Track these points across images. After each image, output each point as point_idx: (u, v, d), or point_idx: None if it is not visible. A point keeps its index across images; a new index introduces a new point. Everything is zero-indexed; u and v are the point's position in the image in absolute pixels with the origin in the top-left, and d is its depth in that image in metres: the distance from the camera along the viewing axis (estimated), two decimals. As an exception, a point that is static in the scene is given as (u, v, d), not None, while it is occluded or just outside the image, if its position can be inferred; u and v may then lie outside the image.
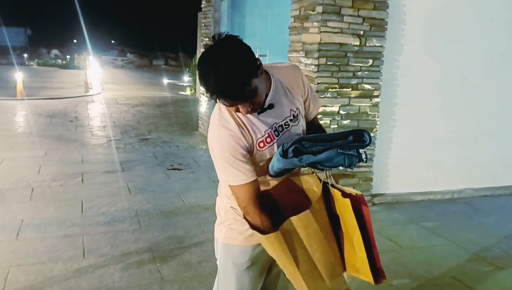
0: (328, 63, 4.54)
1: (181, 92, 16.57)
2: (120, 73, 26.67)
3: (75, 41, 43.98)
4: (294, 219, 1.51)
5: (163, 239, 3.87)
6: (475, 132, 5.45)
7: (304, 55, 4.70)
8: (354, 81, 4.65)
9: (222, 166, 1.69)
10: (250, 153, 1.68)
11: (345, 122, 4.70)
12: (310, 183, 1.71)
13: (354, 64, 4.61)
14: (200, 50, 9.23)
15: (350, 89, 4.66)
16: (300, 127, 1.79)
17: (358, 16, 4.53)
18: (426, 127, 5.24)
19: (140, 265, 3.39)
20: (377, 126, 4.84)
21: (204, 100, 8.59)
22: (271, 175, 1.71)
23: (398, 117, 5.09)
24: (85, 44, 28.39)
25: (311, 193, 1.71)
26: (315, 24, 4.50)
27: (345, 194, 1.59)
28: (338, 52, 4.54)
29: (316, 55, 4.50)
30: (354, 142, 1.53)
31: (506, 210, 5.06)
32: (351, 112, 4.71)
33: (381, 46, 4.68)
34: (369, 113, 4.77)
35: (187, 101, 13.57)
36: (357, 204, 1.56)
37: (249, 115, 1.66)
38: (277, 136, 1.71)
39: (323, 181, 1.69)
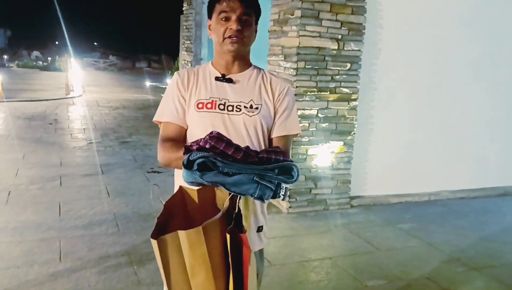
0: (307, 66, 4.57)
1: (163, 95, 16.50)
2: (102, 76, 26.43)
3: (56, 42, 43.50)
4: (181, 233, 1.28)
5: (141, 242, 3.85)
6: (451, 135, 5.54)
7: (283, 58, 4.73)
8: (332, 85, 4.70)
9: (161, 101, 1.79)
10: (184, 101, 1.74)
11: (323, 125, 4.74)
12: (223, 199, 1.45)
13: (332, 67, 4.66)
14: (182, 53, 9.18)
15: (329, 92, 4.70)
16: (255, 122, 1.72)
17: (336, 20, 4.58)
18: (403, 130, 5.31)
19: (117, 269, 3.37)
20: (355, 129, 4.89)
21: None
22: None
23: (375, 120, 5.15)
24: (67, 45, 28.10)
25: (218, 210, 1.45)
26: (294, 28, 4.54)
27: (232, 229, 1.36)
28: (317, 56, 4.58)
29: (295, 58, 4.53)
30: (279, 175, 1.33)
31: (481, 212, 5.15)
32: (329, 115, 4.75)
33: (359, 50, 4.73)
34: (347, 116, 4.82)
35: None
36: (239, 243, 1.35)
37: (207, 77, 1.75)
38: (222, 110, 1.70)
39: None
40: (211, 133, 1.36)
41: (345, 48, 4.66)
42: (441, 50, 5.30)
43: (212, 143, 1.33)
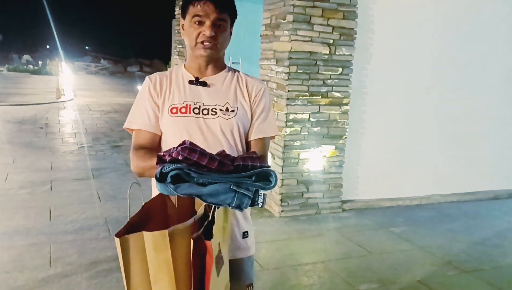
0: (299, 71, 4.59)
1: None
2: (93, 80, 26.32)
3: (47, 46, 43.26)
4: (146, 235, 1.23)
5: (133, 247, 3.82)
6: (442, 139, 5.58)
7: (275, 63, 4.75)
8: (324, 89, 4.72)
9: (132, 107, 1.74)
10: (157, 108, 1.68)
11: (315, 129, 4.75)
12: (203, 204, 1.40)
13: (324, 72, 4.68)
14: (174, 57, 9.18)
15: (320, 96, 4.72)
16: (232, 125, 1.68)
17: (328, 25, 4.61)
18: (395, 134, 5.34)
19: (108, 274, 3.35)
20: (346, 133, 4.91)
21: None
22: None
23: (367, 124, 5.17)
24: (58, 49, 27.95)
25: (195, 216, 1.40)
26: (286, 32, 4.55)
27: (199, 236, 1.30)
28: (309, 60, 4.60)
29: (287, 63, 4.55)
30: (256, 181, 1.30)
31: (472, 216, 5.19)
32: (321, 119, 4.77)
33: (350, 54, 4.76)
34: (339, 120, 4.84)
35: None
36: (203, 251, 1.29)
37: (180, 81, 1.71)
38: (196, 114, 1.66)
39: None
40: (183, 143, 1.30)
41: (337, 53, 4.69)
42: (431, 55, 5.34)
43: (185, 155, 1.26)
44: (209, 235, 1.28)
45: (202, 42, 1.64)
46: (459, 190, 5.75)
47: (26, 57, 38.08)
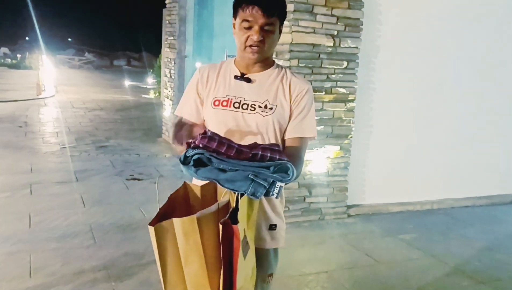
0: (300, 64, 4.59)
1: (144, 95, 16.44)
2: (77, 74, 26.29)
3: (27, 38, 43.18)
4: (176, 221, 1.46)
5: (120, 255, 3.82)
6: (455, 140, 5.58)
7: (275, 56, 4.72)
8: (328, 84, 4.72)
9: None
10: (202, 98, 1.95)
11: (318, 128, 4.75)
12: (228, 193, 1.63)
13: (328, 66, 4.68)
14: (164, 50, 9.18)
15: (324, 92, 4.72)
16: (268, 122, 1.86)
17: (332, 15, 4.61)
18: (404, 134, 5.34)
19: (94, 285, 3.33)
20: (352, 132, 4.91)
21: (168, 104, 8.54)
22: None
23: (374, 123, 5.18)
24: (38, 42, 27.90)
25: (219, 202, 1.66)
26: (286, 23, 4.55)
27: (226, 221, 1.53)
28: (311, 54, 4.60)
29: (287, 56, 4.55)
30: (275, 173, 1.48)
31: (487, 221, 5.20)
32: (324, 117, 4.77)
33: (356, 47, 4.76)
34: (344, 118, 4.84)
35: (150, 105, 13.47)
36: (231, 234, 1.51)
37: (227, 75, 1.94)
38: (236, 108, 1.87)
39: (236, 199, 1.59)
40: (205, 132, 1.52)
41: (342, 45, 4.69)
42: (444, 48, 5.34)
43: (205, 143, 1.48)
44: (235, 220, 1.49)
45: (250, 46, 1.84)
46: (474, 194, 5.76)
47: (3, 50, 37.97)
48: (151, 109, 12.56)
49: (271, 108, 1.86)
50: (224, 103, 1.88)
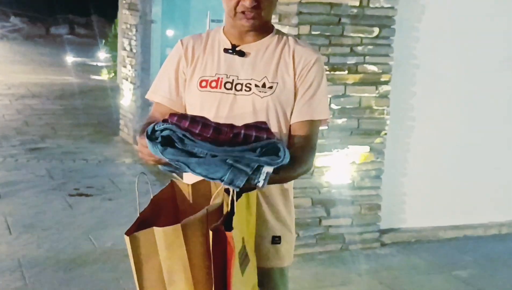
0: (313, 32, 4.59)
1: (94, 77, 16.36)
2: (-1, 47, 26.22)
3: None
4: (157, 231, 1.59)
5: (61, 302, 3.83)
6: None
7: (277, 20, 4.74)
8: (352, 60, 4.73)
9: None
10: (184, 80, 2.07)
11: (339, 121, 4.76)
12: (221, 195, 1.78)
13: (351, 34, 4.69)
14: (122, 12, 9.16)
15: (346, 72, 4.73)
16: (267, 105, 1.97)
17: (357, -38, 4.63)
18: (460, 129, 5.34)
19: None
20: (386, 128, 4.93)
21: (128, 89, 8.55)
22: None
23: (417, 114, 5.20)
24: None
25: (213, 206, 1.78)
26: (293, -26, 4.56)
27: (218, 227, 1.65)
28: (328, 17, 4.60)
29: (295, 20, 4.55)
30: (262, 156, 1.60)
31: None
32: (347, 106, 4.78)
33: (392, 7, 4.77)
34: (375, 107, 4.86)
35: (103, 91, 13.41)
36: (223, 242, 1.62)
37: (215, 48, 2.06)
38: (228, 89, 1.99)
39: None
40: (174, 113, 1.67)
41: (371, 5, 4.70)
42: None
43: (174, 121, 1.62)
44: (229, 226, 1.59)
45: (242, 12, 1.95)
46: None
47: None
48: (104, 96, 12.50)
49: (270, 87, 1.98)
50: (213, 84, 2.00)
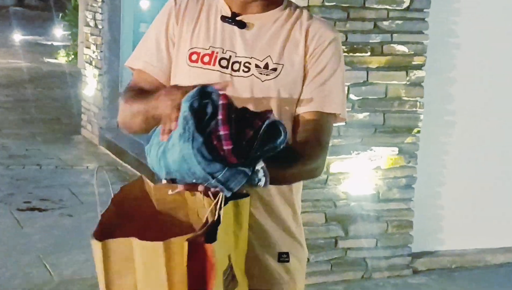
0: (327, 4, 4.57)
1: (48, 60, 16.37)
2: None
3: None
4: (136, 244, 1.59)
5: None
6: None
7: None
8: (376, 39, 4.73)
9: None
10: (174, 44, 2.06)
11: (361, 116, 4.75)
12: (194, 208, 1.78)
13: (375, 6, 4.70)
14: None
15: (369, 53, 4.72)
16: (268, 90, 1.96)
17: None
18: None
19: None
20: (419, 124, 4.92)
21: (92, 75, 8.53)
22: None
23: (458, 107, 5.19)
24: None
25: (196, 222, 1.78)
26: None
27: (195, 238, 1.64)
28: (346, -16, 4.62)
29: (304, -12, 4.55)
30: (262, 142, 1.59)
31: None
32: (370, 96, 4.78)
33: (427, -28, 4.79)
34: (405, 98, 4.85)
35: (60, 77, 13.41)
36: (202, 256, 1.61)
37: (212, 14, 2.05)
38: (223, 67, 1.97)
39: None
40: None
41: (400, -31, 4.71)
42: None
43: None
44: (211, 237, 1.57)
45: None
46: None
47: None
48: (62, 85, 12.50)
49: (274, 69, 1.97)
50: (206, 59, 1.98)
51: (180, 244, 1.57)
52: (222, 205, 1.59)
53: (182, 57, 2.01)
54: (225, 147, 1.53)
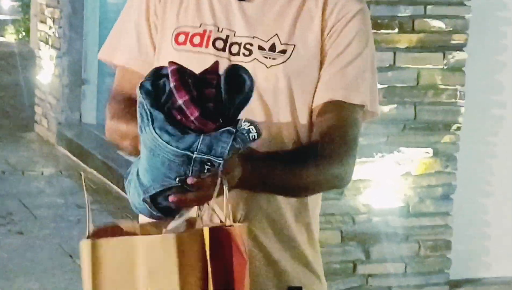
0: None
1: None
2: None
3: None
4: (142, 241, 1.61)
5: None
6: None
7: None
8: (405, 12, 4.76)
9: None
10: (155, 27, 2.01)
11: (386, 108, 4.74)
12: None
13: (405, -30, 4.73)
14: None
15: (397, 30, 4.75)
16: (275, 78, 1.90)
17: None
18: None
19: None
20: (460, 119, 4.94)
21: (48, 57, 8.52)
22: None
23: (508, 98, 5.22)
24: None
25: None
26: None
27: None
28: None
29: None
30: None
31: None
32: (398, 84, 4.79)
33: None
34: (442, 87, 4.87)
35: (7, 59, 13.45)
36: (227, 247, 1.61)
37: None
38: (219, 49, 1.91)
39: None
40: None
41: None
42: None
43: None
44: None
45: None
46: None
47: None
48: (9, 69, 12.54)
49: (282, 51, 1.91)
50: (196, 40, 1.94)
51: (197, 235, 1.58)
52: (226, 187, 1.55)
53: (167, 39, 1.97)
54: (192, 117, 1.52)
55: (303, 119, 1.90)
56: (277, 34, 1.91)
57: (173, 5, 1.97)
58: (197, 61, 1.82)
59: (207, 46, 1.91)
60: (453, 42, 4.85)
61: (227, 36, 1.92)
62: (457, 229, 5.06)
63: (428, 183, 4.93)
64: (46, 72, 8.60)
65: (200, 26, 1.93)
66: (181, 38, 1.94)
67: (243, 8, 1.92)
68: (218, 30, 1.92)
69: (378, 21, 4.68)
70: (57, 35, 8.33)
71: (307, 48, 1.91)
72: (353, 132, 1.91)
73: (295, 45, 1.90)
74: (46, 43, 8.65)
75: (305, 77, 1.91)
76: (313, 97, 1.91)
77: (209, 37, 1.91)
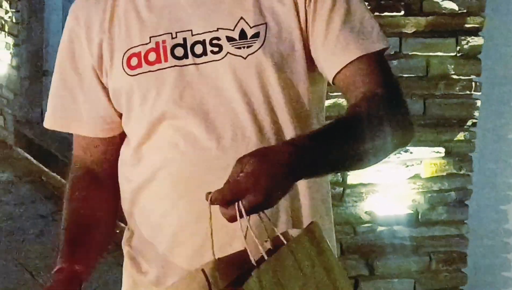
0: None
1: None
2: None
3: None
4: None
5: None
6: None
7: None
8: (413, -8, 4.73)
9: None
10: (99, 71, 2.00)
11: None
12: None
13: None
14: None
15: (403, 12, 4.73)
16: (260, 66, 1.89)
17: None
18: None
19: None
20: (476, 114, 4.93)
21: (4, 46, 8.53)
22: None
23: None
24: None
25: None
26: None
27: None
28: None
29: None
30: None
31: None
32: (405, 74, 4.76)
33: None
34: (455, 77, 4.86)
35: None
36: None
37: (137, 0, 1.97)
38: (179, 58, 1.91)
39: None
40: None
41: None
42: None
43: None
44: (241, 280, 1.55)
45: None
46: None
47: None
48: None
49: (255, 35, 1.91)
50: (152, 57, 1.91)
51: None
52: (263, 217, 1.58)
53: (117, 67, 1.94)
54: None
55: (294, 111, 1.91)
56: (242, 18, 1.89)
57: (112, 33, 1.95)
58: (159, 81, 1.94)
59: (166, 59, 1.89)
60: (467, 26, 4.84)
61: (185, 39, 1.90)
62: (473, 239, 5.05)
63: (439, 187, 4.92)
64: (2, 63, 8.60)
65: (149, 40, 1.90)
66: (134, 61, 1.91)
67: (191, 0, 1.89)
68: (172, 37, 1.89)
69: (382, 2, 4.67)
70: (14, 20, 8.34)
71: (281, 22, 1.90)
72: (391, 77, 1.95)
73: (266, 24, 1.89)
74: (2, 29, 8.65)
75: (290, 52, 1.89)
76: (322, 67, 1.91)
77: (164, 48, 1.90)
